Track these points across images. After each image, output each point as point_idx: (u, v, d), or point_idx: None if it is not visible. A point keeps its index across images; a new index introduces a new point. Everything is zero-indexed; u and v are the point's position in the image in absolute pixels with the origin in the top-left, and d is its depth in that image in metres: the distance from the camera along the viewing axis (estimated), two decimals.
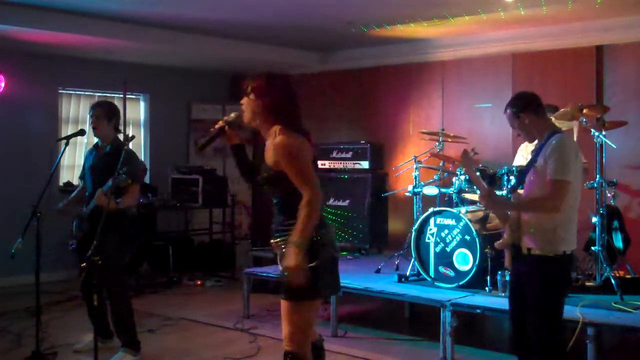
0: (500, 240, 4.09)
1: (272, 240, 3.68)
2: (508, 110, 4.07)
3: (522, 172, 3.99)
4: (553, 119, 6.03)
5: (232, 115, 3.83)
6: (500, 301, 5.31)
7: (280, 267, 3.64)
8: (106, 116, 5.40)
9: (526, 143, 4.88)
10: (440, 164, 6.93)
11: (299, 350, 3.55)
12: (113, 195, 4.84)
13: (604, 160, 6.26)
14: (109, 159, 5.24)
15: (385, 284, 6.27)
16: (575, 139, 5.70)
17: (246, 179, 3.92)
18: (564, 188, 3.76)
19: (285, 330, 3.56)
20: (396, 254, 6.97)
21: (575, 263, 5.25)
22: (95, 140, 5.58)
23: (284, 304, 3.54)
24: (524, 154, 6.18)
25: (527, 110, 4.01)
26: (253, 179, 3.79)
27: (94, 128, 5.43)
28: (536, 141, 4.10)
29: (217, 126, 3.83)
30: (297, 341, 3.55)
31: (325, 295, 3.75)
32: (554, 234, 3.85)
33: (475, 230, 5.88)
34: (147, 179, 9.28)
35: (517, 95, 4.15)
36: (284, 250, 3.52)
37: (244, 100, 3.75)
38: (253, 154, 4.10)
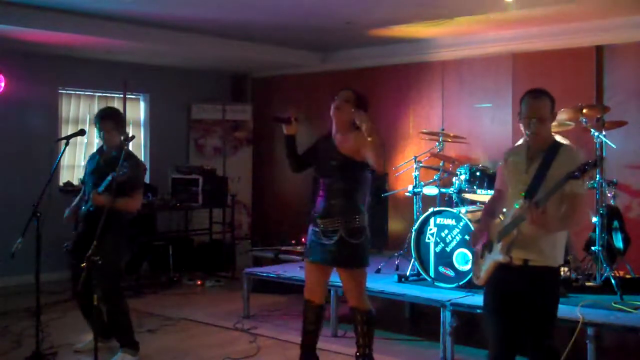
0: (499, 258, 3.84)
1: (320, 219, 4.67)
2: (547, 100, 3.85)
3: (534, 185, 3.75)
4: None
5: (297, 116, 4.80)
6: None
7: (320, 241, 4.68)
8: (116, 127, 5.44)
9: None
10: (440, 164, 6.93)
11: (367, 307, 4.79)
12: (108, 193, 4.91)
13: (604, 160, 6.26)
14: (114, 164, 5.23)
15: (386, 284, 6.27)
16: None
17: (294, 165, 4.89)
18: (585, 202, 3.78)
19: (355, 294, 4.76)
20: (396, 254, 6.97)
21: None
22: (96, 142, 5.59)
23: (352, 272, 4.68)
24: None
25: (554, 111, 3.91)
26: (300, 167, 4.90)
27: (105, 139, 5.44)
28: (523, 146, 3.98)
29: (291, 114, 4.77)
30: (366, 300, 4.82)
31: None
32: (560, 245, 3.86)
33: None
34: (147, 179, 9.29)
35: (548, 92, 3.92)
36: (334, 229, 4.60)
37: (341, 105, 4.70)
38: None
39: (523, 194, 3.76)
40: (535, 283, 3.78)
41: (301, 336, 4.94)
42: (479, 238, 4.04)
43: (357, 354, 4.81)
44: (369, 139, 4.41)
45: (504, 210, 3.99)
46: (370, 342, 4.79)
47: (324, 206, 4.66)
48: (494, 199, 4.25)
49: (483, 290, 4.05)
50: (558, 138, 4.97)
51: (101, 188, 5.16)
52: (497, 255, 3.85)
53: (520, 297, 3.81)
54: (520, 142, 4.60)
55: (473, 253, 4.22)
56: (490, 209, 4.18)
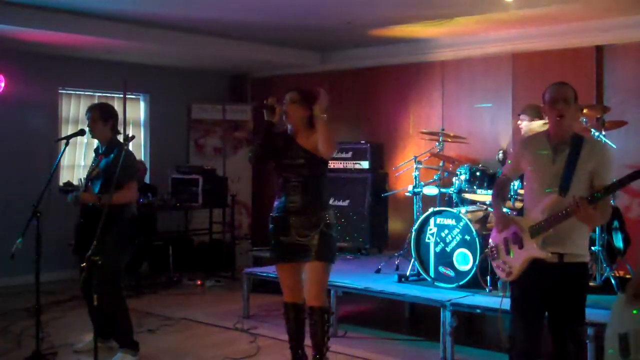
0: (539, 254, 3.80)
1: (294, 216, 4.65)
2: (571, 88, 3.85)
3: (566, 178, 3.73)
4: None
5: (279, 108, 4.74)
6: (500, 301, 5.28)
7: (295, 239, 4.62)
8: (101, 118, 5.38)
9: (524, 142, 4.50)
10: (440, 164, 6.93)
11: (328, 304, 4.77)
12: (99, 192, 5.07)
13: None
14: (103, 158, 5.27)
15: (386, 284, 6.27)
16: None
17: (261, 156, 4.81)
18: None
19: (320, 290, 4.65)
20: (396, 254, 6.97)
21: None
22: (96, 142, 5.59)
23: (316, 265, 4.59)
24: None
25: (577, 102, 3.89)
26: (264, 158, 4.86)
27: (90, 131, 5.43)
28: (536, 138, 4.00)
29: (273, 101, 4.72)
30: (324, 298, 4.72)
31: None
32: (587, 239, 3.89)
33: (475, 230, 5.88)
34: (147, 179, 9.30)
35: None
36: (312, 225, 4.59)
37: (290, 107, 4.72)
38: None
39: (548, 189, 3.77)
40: (571, 279, 3.79)
41: (288, 341, 4.93)
42: (506, 231, 3.99)
43: (317, 356, 4.72)
44: (319, 116, 4.57)
45: (526, 203, 3.99)
46: (328, 340, 4.77)
47: (297, 204, 4.66)
48: (502, 185, 4.24)
49: (511, 286, 4.03)
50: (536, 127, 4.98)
51: (96, 189, 5.19)
52: (533, 251, 3.81)
53: (552, 294, 3.81)
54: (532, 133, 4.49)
55: (491, 248, 4.13)
56: (502, 196, 4.22)
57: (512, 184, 5.53)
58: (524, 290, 3.93)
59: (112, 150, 5.23)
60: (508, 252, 3.98)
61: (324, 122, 4.57)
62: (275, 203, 4.79)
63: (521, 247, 3.89)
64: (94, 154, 5.59)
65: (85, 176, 5.55)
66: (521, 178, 5.07)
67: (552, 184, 3.79)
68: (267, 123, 4.73)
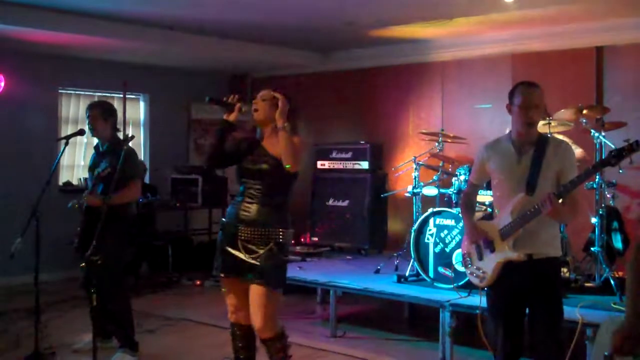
0: (512, 256, 3.79)
1: (244, 227, 4.05)
2: (540, 90, 3.87)
3: (532, 177, 3.75)
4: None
5: (247, 107, 4.25)
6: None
7: (244, 257, 4.02)
8: (102, 116, 5.39)
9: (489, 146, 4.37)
10: (440, 165, 6.93)
11: (279, 331, 4.11)
12: (101, 193, 5.08)
13: None
14: (105, 157, 5.26)
15: (385, 284, 6.27)
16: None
17: (218, 159, 4.32)
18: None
19: (259, 318, 4.00)
20: (395, 254, 6.97)
21: None
22: (96, 142, 5.59)
23: (259, 289, 3.98)
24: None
25: (544, 102, 3.91)
26: (223, 162, 4.39)
27: (91, 129, 5.43)
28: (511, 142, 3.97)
29: (233, 99, 4.27)
30: (274, 324, 4.07)
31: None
32: (558, 235, 3.90)
33: None
34: (147, 179, 9.30)
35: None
36: (261, 240, 4.00)
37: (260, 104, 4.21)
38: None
39: (515, 190, 3.79)
40: (542, 276, 3.79)
41: None
42: (477, 238, 4.01)
43: None
44: (281, 127, 4.03)
45: (495, 207, 4.01)
46: None
47: (250, 213, 4.07)
48: (469, 194, 4.24)
49: (487, 291, 4.03)
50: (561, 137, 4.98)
51: (99, 190, 5.19)
52: (506, 254, 3.82)
53: (527, 293, 3.82)
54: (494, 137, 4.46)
55: (464, 257, 4.16)
56: (470, 205, 4.20)
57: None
58: (500, 294, 3.94)
59: (115, 148, 5.19)
60: (481, 258, 3.99)
61: (287, 133, 4.02)
62: (229, 208, 4.27)
63: (493, 250, 3.91)
64: (94, 152, 5.57)
65: (88, 176, 5.55)
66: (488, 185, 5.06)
67: (518, 184, 3.81)
68: (224, 123, 4.26)
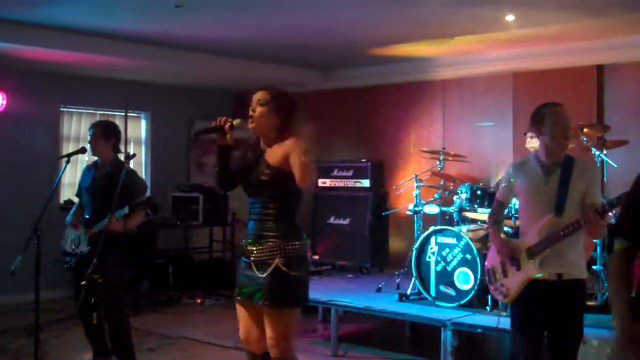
0: (541, 275, 3.82)
1: (251, 246, 3.79)
2: (566, 109, 3.95)
3: (560, 197, 3.80)
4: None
5: (238, 120, 3.93)
6: (501, 320, 5.26)
7: (257, 274, 3.73)
8: (103, 135, 5.35)
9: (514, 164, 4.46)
10: (441, 183, 6.92)
11: (290, 355, 3.76)
12: (124, 220, 4.95)
13: (605, 179, 6.25)
14: (111, 180, 5.20)
15: (386, 303, 6.25)
16: None
17: (225, 183, 4.03)
18: None
19: (281, 342, 3.70)
20: (397, 273, 6.95)
21: None
22: (92, 159, 5.56)
23: (267, 311, 3.69)
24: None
25: None
26: (231, 184, 4.02)
27: (92, 147, 5.41)
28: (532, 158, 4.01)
29: (220, 121, 3.94)
30: (285, 347, 3.73)
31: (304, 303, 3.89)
32: (584, 256, 3.93)
33: (477, 249, 5.87)
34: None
35: None
36: (268, 258, 3.70)
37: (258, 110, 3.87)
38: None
39: (543, 211, 3.82)
40: (570, 297, 3.82)
41: None
42: (508, 254, 4.00)
43: None
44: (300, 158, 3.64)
45: (522, 226, 4.05)
46: None
47: (255, 231, 3.80)
48: (497, 211, 4.26)
49: (511, 307, 4.05)
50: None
51: (119, 214, 5.09)
52: (531, 272, 3.84)
53: (552, 311, 3.82)
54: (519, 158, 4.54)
55: (488, 272, 4.17)
56: (498, 222, 4.23)
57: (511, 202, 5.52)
58: (524, 310, 3.95)
59: (118, 170, 5.08)
60: (505, 275, 4.01)
61: (304, 162, 3.63)
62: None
63: (519, 268, 3.93)
64: (92, 170, 5.51)
65: (82, 193, 5.51)
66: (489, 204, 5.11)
67: (546, 205, 3.84)
68: (220, 148, 3.95)
